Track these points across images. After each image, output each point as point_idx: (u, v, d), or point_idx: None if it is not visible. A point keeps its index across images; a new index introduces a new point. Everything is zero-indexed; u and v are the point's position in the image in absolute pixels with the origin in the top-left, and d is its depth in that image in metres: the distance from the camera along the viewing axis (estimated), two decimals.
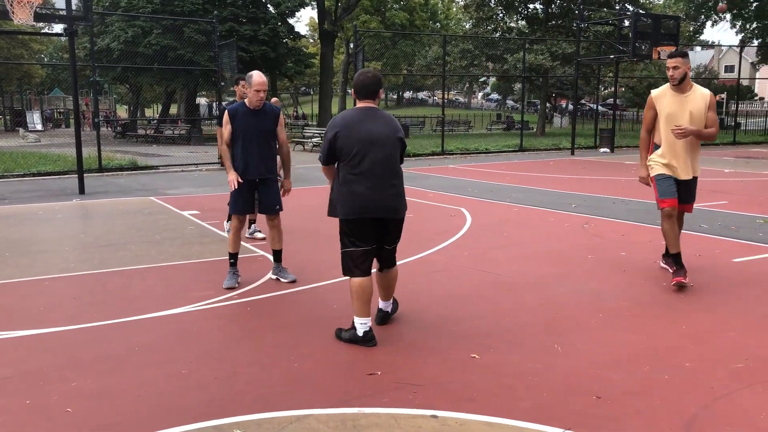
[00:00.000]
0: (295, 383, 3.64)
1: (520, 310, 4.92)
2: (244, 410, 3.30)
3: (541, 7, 32.69)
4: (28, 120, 39.02)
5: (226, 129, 5.57)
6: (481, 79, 52.31)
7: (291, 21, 36.56)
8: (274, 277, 5.86)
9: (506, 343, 4.25)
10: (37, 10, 9.68)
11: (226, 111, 5.60)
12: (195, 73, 28.69)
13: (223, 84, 17.84)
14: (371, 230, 4.26)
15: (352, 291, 4.26)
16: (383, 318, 4.65)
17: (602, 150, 22.55)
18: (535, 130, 34.76)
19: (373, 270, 4.45)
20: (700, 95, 5.48)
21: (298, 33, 37.81)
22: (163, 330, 4.57)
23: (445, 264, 6.38)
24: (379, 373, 3.77)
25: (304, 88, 74.62)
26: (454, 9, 47.80)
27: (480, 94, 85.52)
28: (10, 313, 4.93)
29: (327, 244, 7.04)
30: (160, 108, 50.06)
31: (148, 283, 5.80)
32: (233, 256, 5.72)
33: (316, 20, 42.04)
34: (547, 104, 41.88)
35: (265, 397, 3.47)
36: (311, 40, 60.49)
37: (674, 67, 5.39)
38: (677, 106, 5.48)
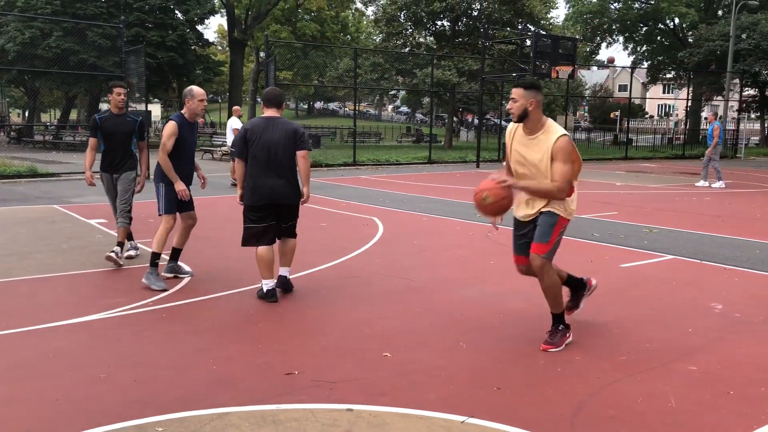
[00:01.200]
0: (214, 384, 3.76)
1: (429, 312, 5.23)
2: (165, 410, 3.40)
3: (449, 24, 33.75)
4: None
5: (171, 140, 5.84)
6: (392, 92, 53.22)
7: (200, 28, 36.00)
8: (170, 275, 6.18)
9: (415, 342, 4.53)
10: None
11: (173, 123, 5.89)
12: (99, 78, 27.76)
13: (128, 90, 17.44)
14: (269, 212, 5.41)
15: (256, 258, 5.40)
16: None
17: (505, 163, 23.50)
18: (443, 143, 35.75)
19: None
20: (544, 140, 4.27)
21: (207, 40, 37.30)
22: (76, 337, 4.56)
23: (358, 270, 6.62)
24: (296, 372, 3.95)
25: (212, 95, 73.31)
26: (365, 22, 48.49)
27: (390, 107, 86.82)
28: None
29: (240, 252, 7.11)
30: (59, 113, 47.85)
31: (58, 292, 5.72)
32: (158, 257, 5.90)
33: (226, 28, 41.57)
34: (454, 118, 43.15)
35: (184, 397, 3.57)
36: (220, 48, 59.62)
37: (512, 99, 4.28)
38: (522, 150, 4.40)
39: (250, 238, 5.46)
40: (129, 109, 17.05)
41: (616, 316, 5.22)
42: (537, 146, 4.31)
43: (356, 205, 11.60)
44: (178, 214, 6.07)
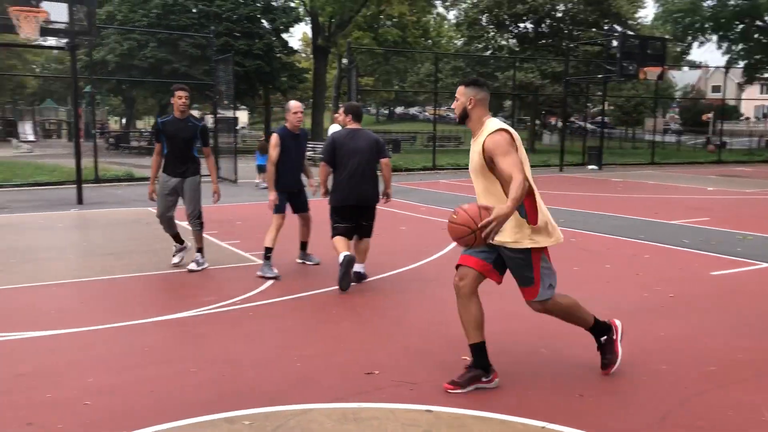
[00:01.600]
0: (298, 382, 3.89)
1: (508, 317, 5.20)
2: (252, 404, 3.54)
3: (531, 26, 33.27)
4: (19, 130, 39.10)
5: (275, 151, 6.40)
6: None
7: (285, 36, 36.96)
8: (300, 261, 7.06)
9: (495, 346, 4.50)
10: (43, 24, 9.95)
11: (276, 135, 6.47)
12: (190, 86, 28.94)
13: (218, 97, 18.11)
14: (353, 213, 6.11)
15: (334, 242, 6.05)
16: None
17: (590, 167, 22.97)
18: (525, 146, 35.18)
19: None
20: (480, 142, 3.70)
21: (291, 48, 38.22)
22: (170, 332, 4.81)
23: (437, 273, 6.66)
24: (377, 372, 4.02)
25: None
26: (446, 27, 48.41)
27: None
28: (24, 316, 5.15)
29: (324, 253, 7.29)
30: (152, 121, 50.23)
31: (152, 289, 6.04)
32: (270, 251, 6.51)
33: (310, 36, 42.50)
34: (537, 121, 42.42)
35: (270, 393, 3.71)
36: (303, 55, 60.96)
37: (455, 99, 3.84)
38: (472, 157, 3.86)
39: (336, 235, 6.13)
40: (218, 116, 17.80)
41: (704, 325, 5.03)
42: (476, 149, 3.76)
43: (435, 209, 11.62)
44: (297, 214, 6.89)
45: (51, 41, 16.27)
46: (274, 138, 6.44)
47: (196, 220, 6.79)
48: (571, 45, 24.49)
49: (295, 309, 5.44)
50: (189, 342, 4.59)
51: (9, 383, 3.82)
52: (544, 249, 3.85)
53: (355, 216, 6.11)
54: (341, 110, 6.64)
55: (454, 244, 8.09)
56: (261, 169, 15.17)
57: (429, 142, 30.42)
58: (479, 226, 3.39)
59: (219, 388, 3.78)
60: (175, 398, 3.63)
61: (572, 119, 52.30)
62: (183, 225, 7.17)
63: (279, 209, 6.61)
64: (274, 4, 35.99)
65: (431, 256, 7.47)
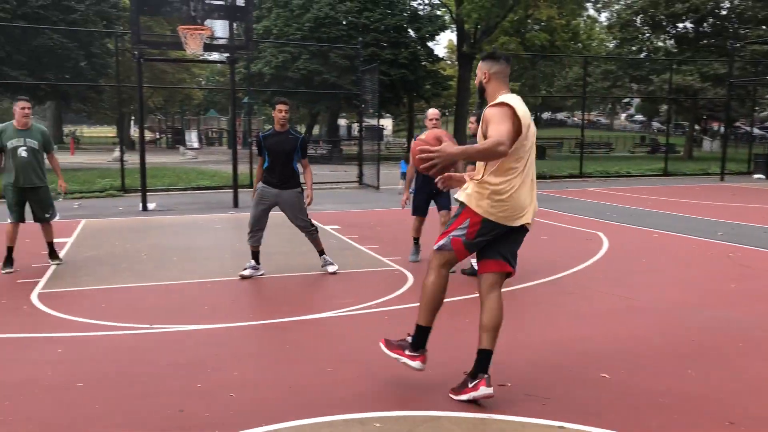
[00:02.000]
0: (427, 388, 3.92)
1: (654, 335, 4.91)
2: (384, 407, 3.61)
3: (692, 25, 31.20)
4: (186, 138, 42.56)
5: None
6: (625, 101, 50.50)
7: (430, 44, 37.35)
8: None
9: (636, 365, 4.29)
10: (206, 41, 10.80)
11: (414, 141, 6.68)
12: (338, 96, 30.07)
13: (363, 106, 18.65)
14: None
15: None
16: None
17: (756, 176, 21.12)
18: (681, 153, 33.10)
19: None
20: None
21: (436, 56, 38.54)
22: (310, 331, 5.02)
23: (579, 286, 6.43)
24: (509, 384, 3.96)
25: (441, 108, 75.50)
26: (597, 29, 46.63)
27: (623, 115, 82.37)
28: (181, 310, 5.61)
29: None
30: (304, 129, 52.69)
31: (295, 290, 6.34)
32: (416, 240, 7.44)
33: (455, 43, 42.63)
34: (696, 127, 39.71)
35: (401, 397, 3.77)
36: (449, 62, 61.24)
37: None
38: None
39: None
40: (363, 123, 18.34)
41: None
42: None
43: (580, 218, 11.22)
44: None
45: (215, 56, 17.58)
46: (413, 144, 6.55)
47: (310, 227, 6.93)
48: (737, 44, 22.66)
49: None
50: (327, 342, 4.77)
51: (166, 371, 4.17)
52: (478, 219, 3.62)
53: None
54: (472, 119, 6.65)
55: (597, 257, 7.80)
56: (404, 176, 15.51)
57: (577, 147, 29.45)
58: (423, 150, 3.53)
59: (353, 388, 3.89)
60: (312, 395, 3.78)
61: (738, 124, 48.41)
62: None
63: (414, 212, 7.34)
64: (420, 13, 36.54)
65: (571, 269, 7.22)
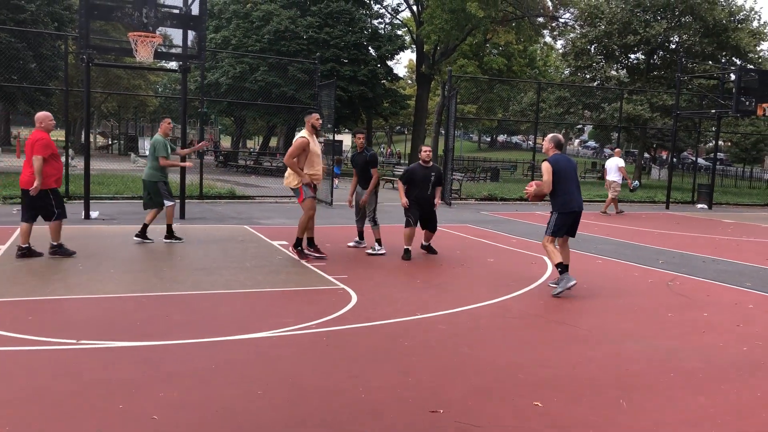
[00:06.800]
0: (360, 413, 3.83)
1: (590, 363, 4.93)
2: None
3: (643, 57, 32.11)
4: (140, 146, 41.71)
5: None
6: (577, 127, 51.64)
7: (390, 63, 37.58)
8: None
9: (570, 393, 4.29)
10: (158, 48, 10.59)
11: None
12: (296, 110, 29.94)
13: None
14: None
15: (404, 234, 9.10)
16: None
17: (699, 206, 21.75)
18: (628, 181, 33.83)
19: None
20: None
21: (396, 75, 38.77)
22: (244, 351, 4.89)
23: (519, 311, 6.44)
24: (441, 411, 3.90)
25: (398, 127, 75.94)
26: (553, 56, 47.64)
27: (576, 141, 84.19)
28: (111, 326, 5.40)
29: (404, 281, 7.23)
30: (260, 140, 52.28)
31: (235, 307, 6.19)
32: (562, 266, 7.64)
33: (415, 63, 42.99)
34: (646, 155, 40.77)
35: (331, 423, 3.67)
36: (409, 82, 61.70)
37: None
38: None
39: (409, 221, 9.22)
40: (322, 138, 18.26)
41: None
42: None
43: (527, 242, 11.32)
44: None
45: (173, 65, 17.29)
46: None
47: (372, 219, 9.52)
48: (684, 77, 23.37)
49: (368, 337, 5.40)
50: (260, 363, 4.64)
51: (87, 389, 3.99)
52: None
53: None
54: (426, 148, 9.50)
55: (540, 281, 7.86)
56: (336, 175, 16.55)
57: (529, 171, 29.88)
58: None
59: (282, 412, 3.78)
60: (240, 420, 3.66)
61: (685, 153, 49.88)
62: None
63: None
64: (381, 32, 36.76)
65: (516, 292, 7.26)
